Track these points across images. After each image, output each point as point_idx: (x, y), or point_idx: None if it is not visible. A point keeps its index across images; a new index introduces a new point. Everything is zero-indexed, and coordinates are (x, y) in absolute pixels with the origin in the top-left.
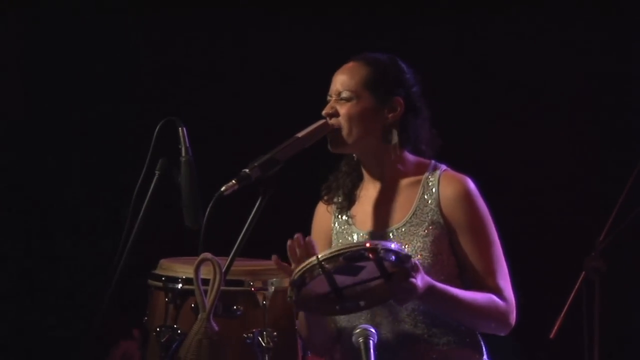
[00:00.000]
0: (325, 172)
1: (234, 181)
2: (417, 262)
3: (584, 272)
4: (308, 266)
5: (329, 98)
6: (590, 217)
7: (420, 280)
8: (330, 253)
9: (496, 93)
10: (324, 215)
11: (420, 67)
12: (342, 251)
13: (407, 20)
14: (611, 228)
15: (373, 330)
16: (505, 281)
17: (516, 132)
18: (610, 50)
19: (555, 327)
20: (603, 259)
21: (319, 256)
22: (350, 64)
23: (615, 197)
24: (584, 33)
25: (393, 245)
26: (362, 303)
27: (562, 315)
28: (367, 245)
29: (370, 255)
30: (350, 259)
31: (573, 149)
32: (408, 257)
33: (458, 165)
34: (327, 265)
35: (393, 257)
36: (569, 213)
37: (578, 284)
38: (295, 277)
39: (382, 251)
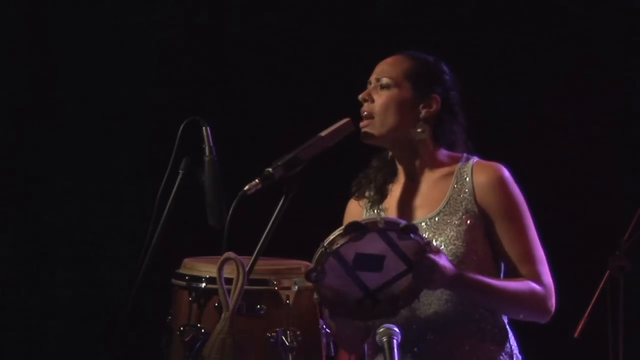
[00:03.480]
0: (350, 171)
1: (257, 180)
2: (436, 245)
3: (608, 271)
4: (317, 255)
5: (368, 85)
6: (615, 215)
7: (444, 260)
8: (333, 233)
9: (523, 90)
10: (355, 210)
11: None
12: (342, 228)
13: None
14: (636, 227)
15: (397, 330)
16: (542, 266)
17: (542, 130)
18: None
19: (580, 326)
20: (628, 257)
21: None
22: (395, 56)
23: None
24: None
25: (395, 219)
26: (400, 303)
27: (586, 314)
28: (368, 220)
29: (371, 227)
30: (350, 229)
31: (599, 147)
32: (414, 227)
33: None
34: (333, 246)
35: (396, 228)
36: (594, 212)
37: (602, 283)
38: (310, 268)
39: (382, 222)
